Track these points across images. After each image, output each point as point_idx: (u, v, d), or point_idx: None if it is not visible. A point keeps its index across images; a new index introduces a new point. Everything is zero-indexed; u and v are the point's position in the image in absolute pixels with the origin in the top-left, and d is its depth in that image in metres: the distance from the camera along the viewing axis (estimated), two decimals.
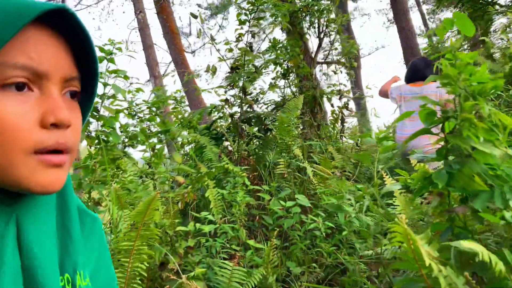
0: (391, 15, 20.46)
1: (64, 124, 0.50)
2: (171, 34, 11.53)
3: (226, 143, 3.74)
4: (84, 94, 0.59)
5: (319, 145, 3.40)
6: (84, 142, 3.14)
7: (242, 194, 2.42)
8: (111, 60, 2.32)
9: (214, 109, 3.85)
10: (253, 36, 3.07)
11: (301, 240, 2.94)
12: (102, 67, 2.25)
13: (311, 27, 4.17)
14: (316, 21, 4.22)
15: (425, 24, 19.55)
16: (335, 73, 4.11)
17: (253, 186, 2.56)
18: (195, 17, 3.88)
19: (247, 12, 2.99)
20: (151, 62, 11.42)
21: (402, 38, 11.40)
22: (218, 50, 3.59)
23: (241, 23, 3.04)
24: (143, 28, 12.18)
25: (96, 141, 2.28)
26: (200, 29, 3.63)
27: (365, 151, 4.16)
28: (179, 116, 3.72)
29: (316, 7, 4.06)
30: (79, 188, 2.12)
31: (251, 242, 2.47)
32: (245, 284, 2.25)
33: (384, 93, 3.86)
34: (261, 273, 2.39)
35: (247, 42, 3.07)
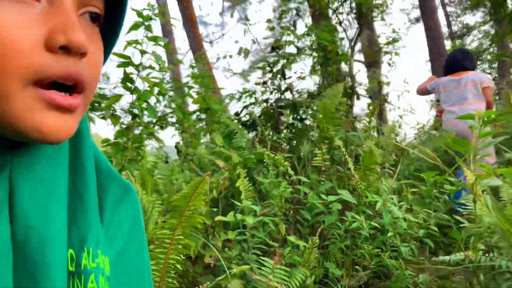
0: (412, 15, 20.06)
1: (79, 48, 0.36)
2: (191, 22, 11.33)
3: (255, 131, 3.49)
4: (107, 30, 0.45)
5: (359, 136, 3.13)
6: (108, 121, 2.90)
7: (285, 184, 2.17)
8: (148, 28, 2.08)
9: (245, 94, 3.60)
10: (297, 14, 2.81)
11: (340, 239, 2.69)
12: (139, 34, 2.01)
13: (350, 13, 3.90)
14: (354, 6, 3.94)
15: (449, 26, 19.11)
16: (376, 62, 3.83)
17: (296, 177, 2.30)
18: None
19: None
20: (170, 49, 11.21)
21: (429, 37, 11.03)
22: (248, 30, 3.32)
23: None
24: (163, 15, 11.96)
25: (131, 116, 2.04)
26: (234, 10, 3.36)
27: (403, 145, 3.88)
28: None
29: None
30: None
31: (292, 238, 2.22)
32: (286, 285, 2.01)
33: (421, 91, 3.84)
34: (303, 273, 2.13)
35: (291, 20, 2.80)
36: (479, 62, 15.74)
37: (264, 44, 3.24)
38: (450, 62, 3.66)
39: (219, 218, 1.85)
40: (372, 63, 7.90)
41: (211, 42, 14.47)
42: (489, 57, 16.17)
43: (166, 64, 2.61)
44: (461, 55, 3.66)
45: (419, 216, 2.91)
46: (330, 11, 3.89)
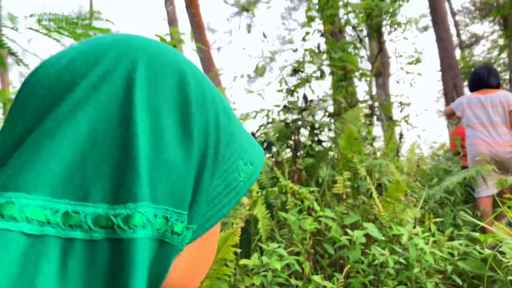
0: (420, 23, 19.93)
1: None
2: (199, 28, 11.27)
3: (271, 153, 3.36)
4: None
5: (382, 164, 3.00)
6: None
7: (311, 221, 2.04)
8: None
9: (260, 113, 3.47)
10: (322, 36, 2.68)
11: (363, 274, 2.56)
12: None
13: (372, 30, 3.77)
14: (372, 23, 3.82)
15: (458, 35, 18.99)
16: (397, 82, 3.71)
17: (322, 212, 2.17)
18: (247, 10, 3.50)
19: (318, 8, 2.61)
20: None
21: (440, 48, 10.91)
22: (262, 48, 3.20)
23: (310, 20, 2.65)
24: (172, 21, 11.92)
25: None
26: (250, 25, 3.24)
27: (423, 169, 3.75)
28: None
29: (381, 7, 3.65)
30: None
31: (317, 278, 2.08)
32: None
33: (450, 112, 3.75)
34: None
35: (315, 42, 2.67)
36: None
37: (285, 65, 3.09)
38: (475, 78, 3.59)
39: (243, 261, 1.72)
40: (380, 73, 7.76)
41: (218, 49, 14.37)
42: (499, 68, 16.03)
43: None
44: (485, 72, 3.58)
45: (444, 249, 2.78)
46: (350, 29, 3.77)
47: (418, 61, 3.67)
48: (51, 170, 0.31)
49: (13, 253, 0.28)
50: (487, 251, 1.75)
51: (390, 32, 3.65)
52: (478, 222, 2.00)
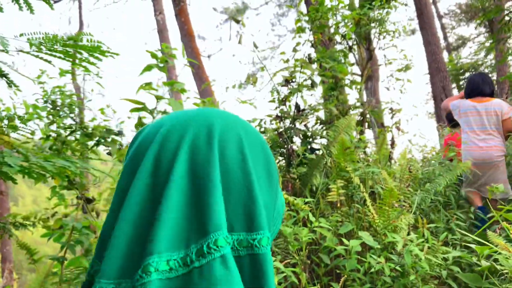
0: (408, 28, 20.10)
1: None
2: (189, 37, 11.27)
3: None
4: None
5: (375, 171, 3.01)
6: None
7: (307, 232, 2.04)
8: (164, 70, 1.96)
9: (253, 123, 3.47)
10: (312, 46, 2.70)
11: (360, 283, 2.56)
12: (152, 76, 1.89)
13: (361, 38, 3.80)
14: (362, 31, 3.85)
15: (445, 38, 19.19)
16: (387, 89, 3.74)
17: (318, 224, 2.17)
18: (237, 21, 3.53)
19: (307, 19, 2.62)
20: (169, 66, 11.10)
21: (428, 52, 11.01)
22: (258, 59, 3.21)
23: (300, 30, 2.67)
24: (162, 30, 11.89)
25: None
26: (240, 35, 3.25)
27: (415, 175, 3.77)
28: None
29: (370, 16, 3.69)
30: None
31: None
32: None
33: (445, 108, 4.02)
34: None
35: (305, 52, 2.69)
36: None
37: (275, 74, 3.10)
38: (470, 86, 3.80)
39: None
40: (369, 77, 7.82)
41: (209, 56, 14.39)
42: (486, 70, 16.23)
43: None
44: (480, 80, 3.78)
45: (438, 254, 2.80)
46: (339, 37, 3.80)
47: (407, 68, 3.71)
48: (223, 213, 0.50)
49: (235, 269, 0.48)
50: (484, 263, 1.77)
51: (379, 40, 3.69)
52: (470, 235, 2.01)
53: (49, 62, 1.23)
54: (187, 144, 0.52)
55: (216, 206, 0.48)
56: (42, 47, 1.28)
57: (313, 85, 2.85)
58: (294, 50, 2.76)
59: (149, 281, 0.44)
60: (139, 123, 1.85)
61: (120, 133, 2.85)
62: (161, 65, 1.92)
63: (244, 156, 0.53)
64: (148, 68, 1.95)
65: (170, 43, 11.50)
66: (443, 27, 19.19)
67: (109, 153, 2.96)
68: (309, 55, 2.79)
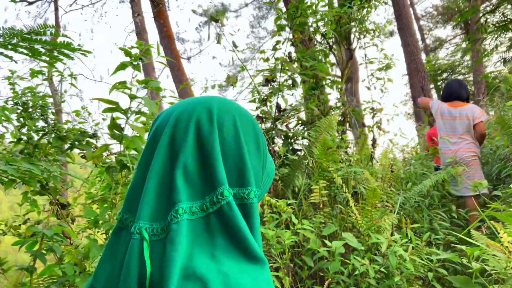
0: (386, 30, 20.33)
1: None
2: (168, 39, 11.14)
3: None
4: None
5: (358, 171, 2.97)
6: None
7: (290, 235, 1.97)
8: (138, 68, 1.88)
9: None
10: (293, 44, 2.64)
11: (344, 285, 2.51)
12: (127, 74, 1.79)
13: (341, 37, 3.77)
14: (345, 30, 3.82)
15: (423, 39, 19.46)
16: (368, 89, 3.71)
17: (300, 226, 2.11)
18: (216, 20, 3.46)
19: (287, 17, 2.56)
20: (148, 67, 10.95)
21: (406, 53, 11.13)
22: (237, 58, 3.15)
23: (280, 29, 2.61)
24: (141, 32, 11.73)
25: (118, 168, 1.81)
26: (219, 35, 3.18)
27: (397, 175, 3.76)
28: None
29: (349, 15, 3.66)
30: (94, 227, 1.65)
31: None
32: None
33: (423, 104, 4.26)
34: None
35: (285, 51, 2.63)
36: (454, 76, 16.07)
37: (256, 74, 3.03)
38: (448, 90, 4.07)
39: None
40: (349, 78, 7.82)
41: (188, 58, 14.26)
42: (462, 70, 16.52)
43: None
44: (457, 85, 4.07)
45: (422, 255, 2.77)
46: (319, 36, 3.76)
47: (388, 66, 3.69)
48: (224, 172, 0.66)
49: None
50: (474, 265, 1.73)
51: (359, 39, 3.67)
52: (457, 234, 1.98)
53: (10, 58, 1.14)
54: (193, 123, 0.68)
55: (219, 168, 0.65)
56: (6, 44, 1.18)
57: (294, 84, 2.80)
58: (275, 48, 2.70)
59: (182, 220, 0.61)
60: (112, 124, 1.76)
61: (95, 136, 2.75)
62: (135, 63, 1.83)
63: (237, 131, 0.69)
64: (122, 66, 1.85)
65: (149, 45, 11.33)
66: (420, 29, 19.47)
67: (83, 157, 2.85)
68: (289, 53, 2.73)
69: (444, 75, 16.32)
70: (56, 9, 15.80)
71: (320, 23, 3.00)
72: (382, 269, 2.42)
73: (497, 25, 6.25)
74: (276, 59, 2.70)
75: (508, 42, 7.72)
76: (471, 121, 3.87)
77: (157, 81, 1.81)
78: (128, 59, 1.87)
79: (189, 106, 0.71)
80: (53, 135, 2.73)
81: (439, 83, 16.24)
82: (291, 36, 2.75)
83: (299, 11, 2.47)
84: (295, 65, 3.18)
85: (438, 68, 16.41)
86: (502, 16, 7.37)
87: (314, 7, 2.62)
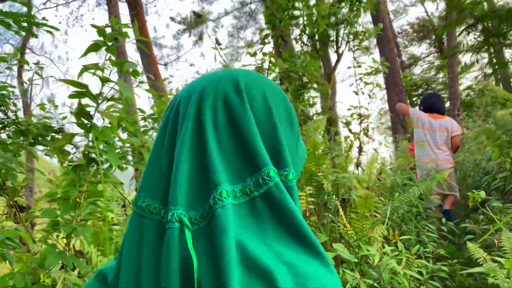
0: (364, 44, 20.60)
1: None
2: (145, 44, 10.89)
3: None
4: None
5: (348, 178, 2.79)
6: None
7: None
8: (112, 50, 1.64)
9: None
10: (282, 39, 2.46)
11: None
12: (100, 56, 1.56)
13: (328, 40, 3.62)
14: (334, 33, 3.68)
15: (399, 56, 19.76)
16: (356, 94, 3.57)
17: None
18: (199, 16, 3.27)
19: (277, 10, 2.38)
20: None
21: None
22: (220, 56, 2.94)
23: (269, 21, 2.42)
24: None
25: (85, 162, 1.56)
26: (202, 30, 2.97)
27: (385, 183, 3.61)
28: None
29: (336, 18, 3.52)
30: (53, 230, 1.39)
31: None
32: None
33: (402, 111, 4.42)
34: None
35: (274, 46, 2.44)
36: (429, 91, 16.36)
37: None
38: (427, 103, 4.32)
39: None
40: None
41: (165, 65, 13.99)
42: (438, 87, 16.82)
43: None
44: (436, 98, 4.37)
45: (413, 268, 2.61)
46: (305, 38, 3.60)
47: (377, 71, 3.57)
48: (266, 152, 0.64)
49: None
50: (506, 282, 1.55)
51: (348, 42, 3.53)
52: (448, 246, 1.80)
53: None
54: (221, 98, 0.60)
55: (260, 148, 0.58)
56: None
57: (282, 82, 2.62)
58: (263, 42, 2.51)
59: (227, 203, 0.53)
60: (79, 111, 1.51)
61: (61, 130, 2.48)
62: (110, 43, 1.59)
63: (269, 107, 0.62)
64: (94, 47, 1.61)
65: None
66: (397, 45, 19.78)
67: (47, 154, 2.57)
68: (278, 47, 2.55)
69: (420, 90, 16.60)
70: (29, 10, 15.29)
71: (310, 20, 2.82)
72: (376, 285, 2.23)
73: (477, 40, 6.29)
74: (264, 54, 2.51)
75: (488, 57, 7.81)
76: (449, 133, 4.12)
77: (134, 63, 1.58)
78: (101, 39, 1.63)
79: (212, 80, 0.63)
80: (12, 129, 2.45)
81: (414, 99, 16.48)
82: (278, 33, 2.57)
83: (291, 3, 2.30)
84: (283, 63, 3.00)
85: (414, 83, 16.67)
86: (481, 33, 7.46)
87: (303, 1, 2.46)
